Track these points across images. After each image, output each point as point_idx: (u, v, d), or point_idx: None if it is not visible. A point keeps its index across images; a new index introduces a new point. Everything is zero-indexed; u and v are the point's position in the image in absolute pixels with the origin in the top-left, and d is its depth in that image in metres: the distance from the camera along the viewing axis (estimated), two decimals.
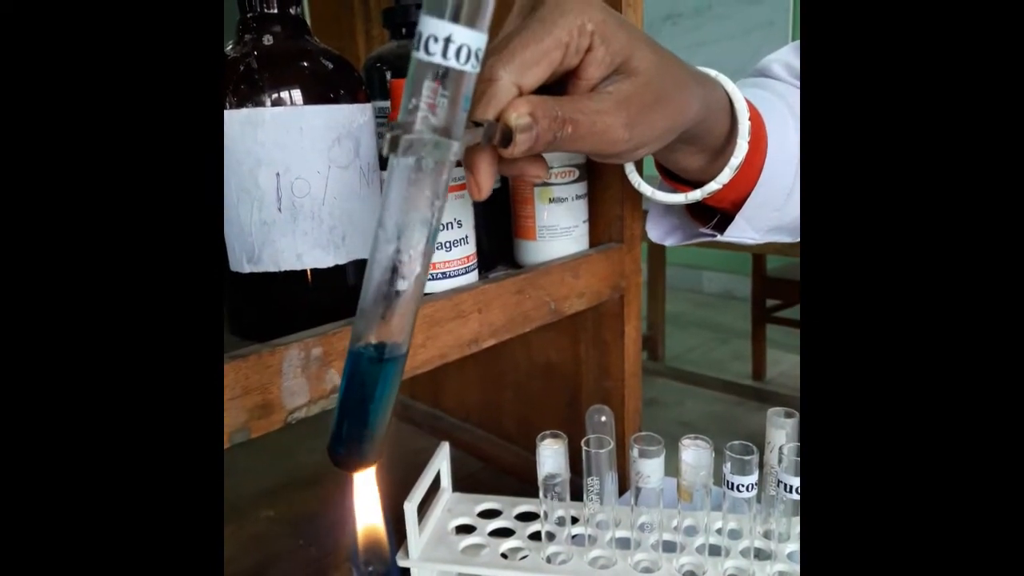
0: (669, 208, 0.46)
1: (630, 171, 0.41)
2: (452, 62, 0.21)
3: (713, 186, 0.37)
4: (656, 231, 0.46)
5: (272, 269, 0.32)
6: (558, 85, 0.29)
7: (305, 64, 0.32)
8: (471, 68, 0.21)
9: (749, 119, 0.36)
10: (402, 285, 0.23)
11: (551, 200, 0.43)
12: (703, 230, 0.44)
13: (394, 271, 0.23)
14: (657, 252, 2.05)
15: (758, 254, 1.94)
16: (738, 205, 0.39)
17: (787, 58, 0.46)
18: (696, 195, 0.38)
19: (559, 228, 0.43)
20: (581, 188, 0.44)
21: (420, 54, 0.21)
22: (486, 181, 0.28)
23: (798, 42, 0.46)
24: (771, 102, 0.40)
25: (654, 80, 0.29)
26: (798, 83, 0.45)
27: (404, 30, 0.44)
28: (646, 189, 0.41)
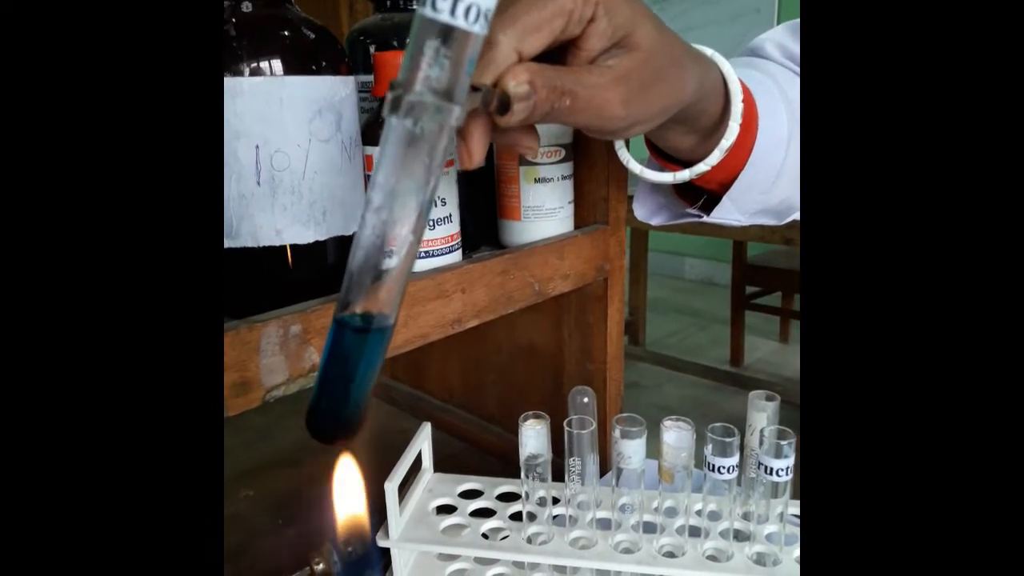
0: (656, 187, 0.46)
1: (619, 147, 0.40)
2: (460, 21, 0.20)
3: (702, 167, 0.37)
4: (642, 210, 0.46)
5: (251, 244, 0.31)
6: (556, 55, 0.28)
7: (285, 33, 0.31)
8: (479, 29, 0.20)
9: (742, 101, 0.35)
10: (392, 253, 0.22)
11: (537, 180, 0.42)
12: (690, 210, 0.44)
13: (385, 239, 0.22)
14: (639, 238, 2.06)
15: (739, 241, 1.95)
16: (726, 186, 0.39)
17: (780, 38, 0.45)
18: (684, 175, 0.38)
19: (544, 209, 0.43)
20: (567, 168, 0.43)
21: (426, 11, 0.20)
22: (478, 149, 0.27)
23: (792, 22, 0.45)
24: (764, 84, 0.40)
25: (654, 57, 0.29)
26: (791, 64, 0.44)
27: (388, 2, 0.43)
28: (635, 167, 0.40)
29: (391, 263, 0.22)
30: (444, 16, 0.20)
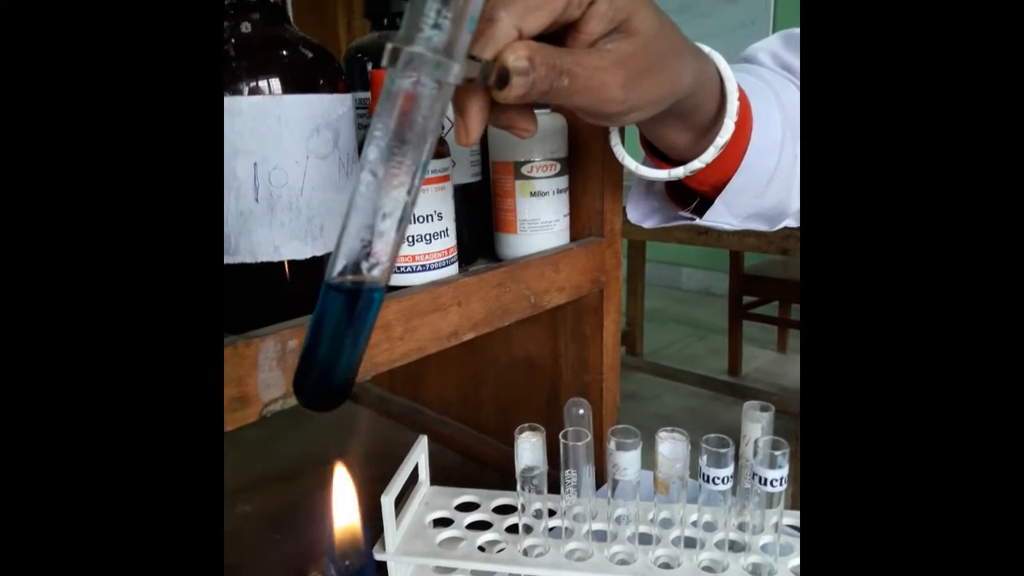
0: (650, 190, 0.46)
1: (615, 143, 0.41)
2: None
3: (696, 164, 0.37)
4: (635, 213, 0.46)
5: (249, 260, 0.31)
6: (556, 39, 0.29)
7: (284, 53, 0.31)
8: None
9: (738, 100, 0.36)
10: (387, 218, 0.22)
11: (532, 194, 0.43)
12: (682, 213, 0.44)
13: (378, 199, 0.22)
14: (637, 249, 2.06)
15: (736, 252, 1.96)
16: (719, 189, 0.39)
17: (773, 47, 0.46)
18: (679, 172, 0.38)
19: (540, 222, 0.43)
20: (562, 182, 0.44)
21: None
22: (475, 125, 0.27)
23: (785, 32, 0.46)
24: (758, 87, 0.40)
25: (653, 44, 0.29)
26: (784, 72, 0.45)
27: (385, 21, 0.43)
28: (630, 163, 0.40)
29: (384, 226, 0.22)
30: None
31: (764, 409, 0.37)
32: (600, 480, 0.45)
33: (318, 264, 0.33)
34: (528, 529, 0.37)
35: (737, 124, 0.36)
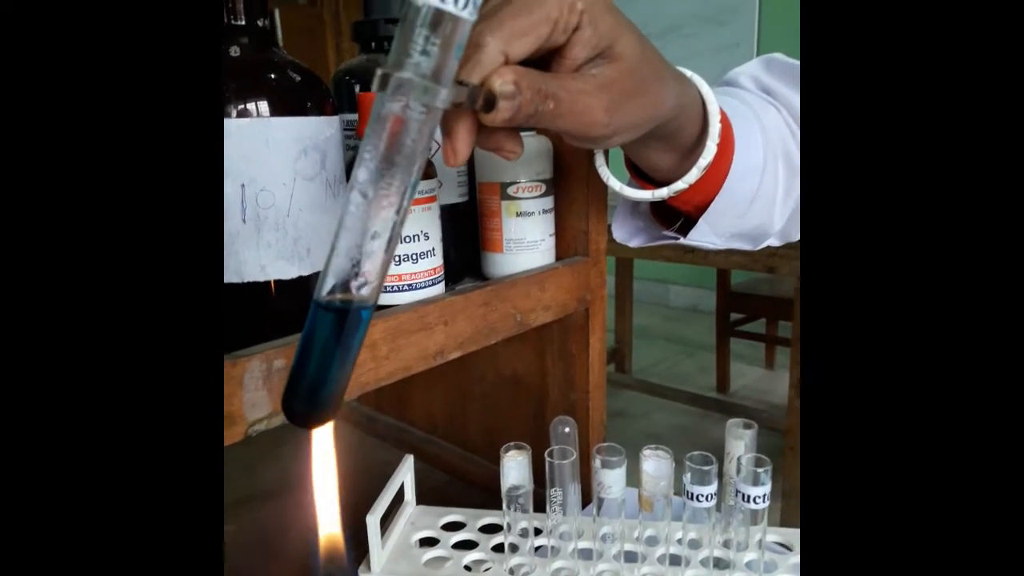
0: (635, 210, 0.47)
1: (600, 164, 0.41)
2: (449, 5, 0.21)
3: (679, 185, 0.38)
4: (621, 232, 0.47)
5: (235, 280, 0.31)
6: (541, 65, 0.29)
7: (272, 76, 0.32)
8: (468, 15, 0.21)
9: (720, 123, 0.37)
10: (376, 238, 0.22)
11: (518, 214, 0.43)
12: (667, 232, 0.45)
13: (367, 219, 0.22)
14: (624, 267, 2.08)
15: (723, 269, 1.97)
16: (702, 209, 0.40)
17: (755, 71, 0.47)
18: (662, 193, 0.39)
19: (526, 241, 0.44)
20: (548, 202, 0.45)
21: None
22: (463, 147, 0.28)
23: (765, 57, 0.47)
24: (740, 110, 0.41)
25: (636, 68, 0.30)
26: (765, 96, 0.46)
27: (373, 44, 0.44)
28: (615, 183, 0.41)
29: (373, 246, 0.22)
30: (434, 1, 0.21)
31: (747, 426, 0.38)
32: (586, 498, 0.45)
33: (304, 284, 0.33)
34: (514, 548, 0.37)
35: (719, 146, 0.37)
